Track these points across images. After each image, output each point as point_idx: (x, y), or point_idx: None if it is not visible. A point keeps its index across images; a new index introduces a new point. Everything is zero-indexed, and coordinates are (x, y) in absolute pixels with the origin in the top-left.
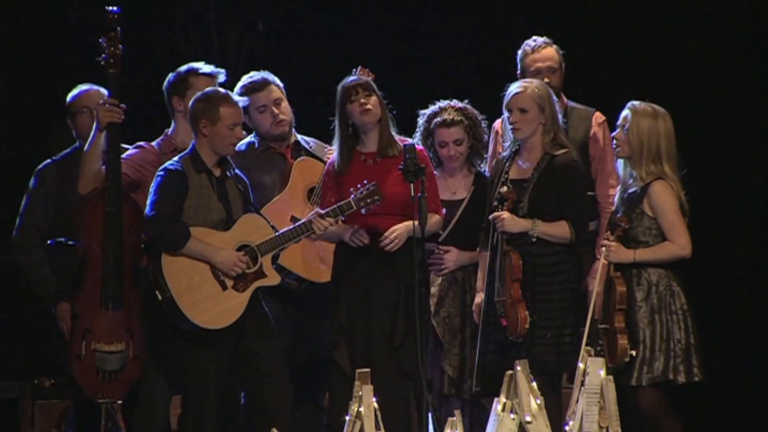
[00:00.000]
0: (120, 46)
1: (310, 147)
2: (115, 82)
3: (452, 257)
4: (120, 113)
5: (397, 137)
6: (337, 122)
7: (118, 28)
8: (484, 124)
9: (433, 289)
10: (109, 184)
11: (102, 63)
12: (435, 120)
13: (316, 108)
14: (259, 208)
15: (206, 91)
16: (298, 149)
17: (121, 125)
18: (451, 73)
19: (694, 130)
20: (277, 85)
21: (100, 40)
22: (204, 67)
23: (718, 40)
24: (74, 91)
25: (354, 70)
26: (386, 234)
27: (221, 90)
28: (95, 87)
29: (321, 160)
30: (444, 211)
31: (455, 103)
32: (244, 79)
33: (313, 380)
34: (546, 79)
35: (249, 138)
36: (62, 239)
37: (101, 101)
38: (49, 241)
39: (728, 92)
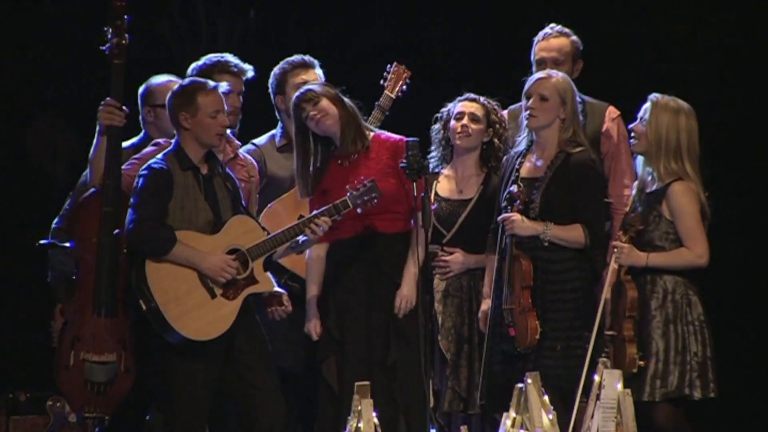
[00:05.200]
0: (126, 35)
1: None
2: (120, 73)
3: (457, 260)
4: (121, 116)
5: (383, 133)
6: (296, 143)
7: (125, 17)
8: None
9: (437, 296)
10: (108, 183)
11: (106, 53)
12: (459, 98)
13: None
14: (268, 203)
15: (181, 84)
16: None
17: (122, 128)
18: (454, 69)
19: (720, 130)
20: (319, 75)
21: (105, 29)
22: (231, 61)
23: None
24: (149, 83)
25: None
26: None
27: (198, 79)
28: (173, 78)
29: None
30: (435, 207)
31: (488, 99)
32: (293, 57)
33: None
34: (547, 70)
35: (272, 131)
36: (55, 240)
37: (101, 103)
38: (42, 241)
39: (755, 90)
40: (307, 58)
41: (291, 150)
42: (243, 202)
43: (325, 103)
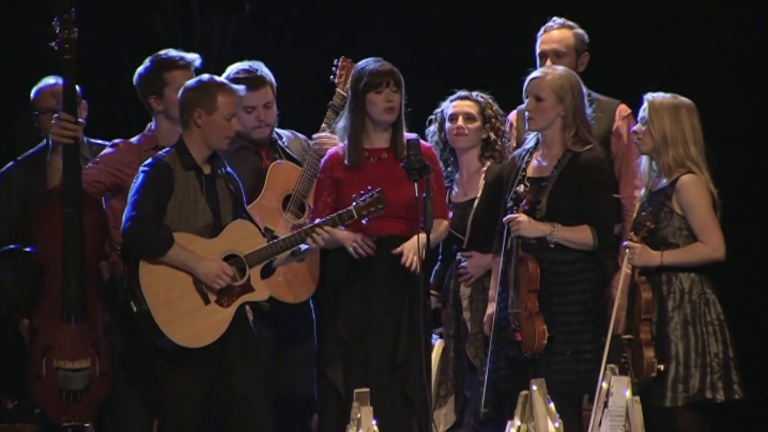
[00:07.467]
0: (75, 29)
1: (284, 142)
2: (71, 69)
3: (474, 263)
4: (76, 130)
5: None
6: (350, 109)
7: (73, 9)
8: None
9: (464, 303)
10: (68, 184)
11: (56, 49)
12: (451, 98)
13: (305, 98)
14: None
15: (200, 79)
16: (274, 148)
17: (77, 139)
18: (456, 67)
19: (728, 124)
20: (272, 85)
21: (53, 23)
22: (176, 56)
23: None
24: (37, 86)
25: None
26: (403, 259)
27: (215, 77)
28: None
29: (297, 162)
30: (451, 215)
31: (481, 93)
32: (236, 68)
33: (299, 405)
34: (548, 63)
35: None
36: (16, 246)
37: (54, 117)
38: (11, 246)
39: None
40: (260, 74)
41: (245, 152)
42: (245, 205)
43: (399, 97)
